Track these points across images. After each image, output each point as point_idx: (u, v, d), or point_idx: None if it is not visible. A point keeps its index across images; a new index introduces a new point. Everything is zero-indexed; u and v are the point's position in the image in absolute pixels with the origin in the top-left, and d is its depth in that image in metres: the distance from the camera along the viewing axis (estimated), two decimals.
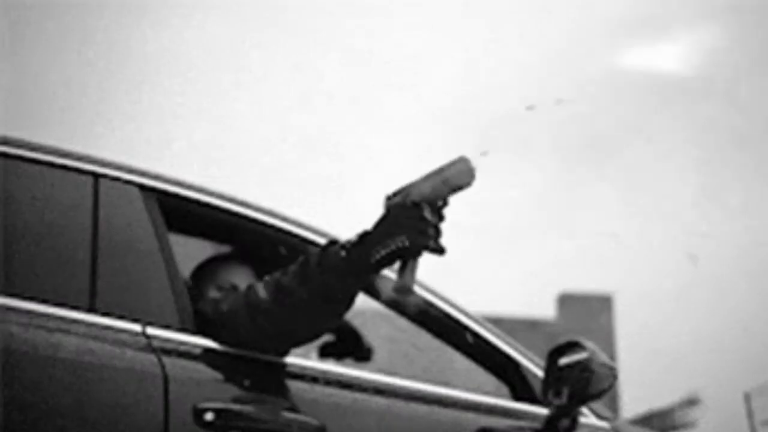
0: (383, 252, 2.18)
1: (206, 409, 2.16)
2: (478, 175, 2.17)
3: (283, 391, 2.31)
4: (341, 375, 2.43)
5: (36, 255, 2.21)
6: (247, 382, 2.26)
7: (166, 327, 2.25)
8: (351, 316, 2.85)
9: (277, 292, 2.26)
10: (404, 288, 2.20)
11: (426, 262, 2.21)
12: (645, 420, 10.72)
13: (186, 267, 2.76)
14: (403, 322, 2.93)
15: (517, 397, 2.76)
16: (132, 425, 2.09)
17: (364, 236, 2.22)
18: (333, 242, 2.27)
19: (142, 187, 2.40)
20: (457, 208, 2.22)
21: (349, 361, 3.26)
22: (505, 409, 2.62)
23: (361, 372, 2.48)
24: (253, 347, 2.31)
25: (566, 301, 12.59)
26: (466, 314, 2.73)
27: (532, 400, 2.70)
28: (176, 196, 2.47)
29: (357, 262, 2.21)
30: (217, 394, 2.20)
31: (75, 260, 2.24)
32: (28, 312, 2.10)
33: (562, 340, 2.62)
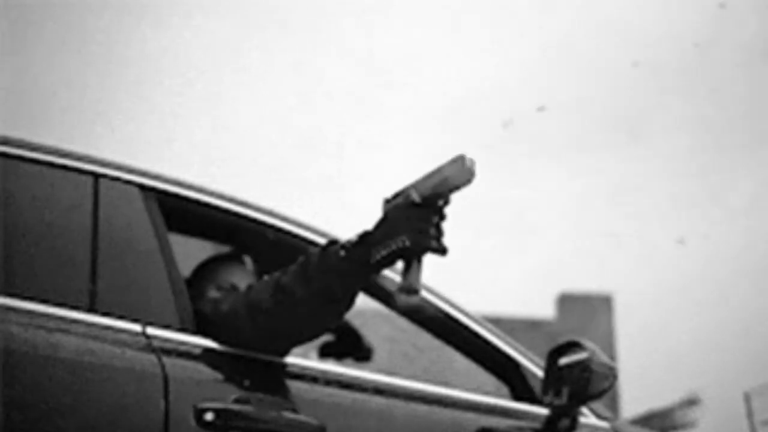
0: (383, 252, 2.18)
1: (206, 409, 2.16)
2: (477, 173, 2.17)
3: (283, 391, 2.31)
4: (341, 375, 2.43)
5: (36, 255, 2.21)
6: (247, 382, 2.26)
7: (166, 327, 2.25)
8: (351, 316, 2.85)
9: (277, 292, 2.26)
10: (410, 289, 2.19)
11: (426, 261, 2.21)
12: (645, 420, 10.71)
13: (186, 267, 2.76)
14: (403, 322, 2.93)
15: (517, 397, 2.76)
16: (132, 425, 2.09)
17: (364, 236, 2.22)
18: (333, 242, 2.27)
19: (142, 187, 2.40)
20: (457, 207, 2.22)
21: (349, 361, 3.26)
22: (505, 409, 2.62)
23: (361, 372, 2.48)
24: (253, 347, 2.31)
25: (566, 301, 12.57)
26: (466, 314, 2.73)
27: (532, 400, 2.70)
28: (176, 196, 2.47)
29: (357, 262, 2.20)
30: (217, 394, 2.20)
31: (75, 260, 2.24)
32: (28, 312, 2.10)
33: (562, 340, 2.62)
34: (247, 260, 2.84)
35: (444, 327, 2.74)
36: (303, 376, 2.35)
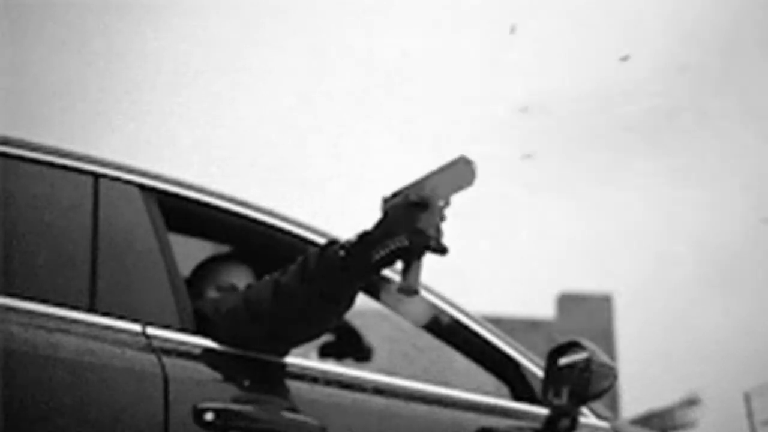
0: (383, 252, 2.18)
1: (206, 409, 2.16)
2: (478, 174, 2.17)
3: (283, 391, 2.31)
4: (341, 375, 2.43)
5: (36, 255, 2.21)
6: (247, 382, 2.26)
7: (166, 327, 2.25)
8: (351, 316, 2.85)
9: (277, 292, 2.26)
10: (409, 289, 2.19)
11: (426, 262, 2.21)
12: (645, 420, 10.72)
13: (186, 267, 2.76)
14: (403, 322, 2.93)
15: (517, 397, 2.76)
16: (132, 425, 2.09)
17: (363, 236, 2.22)
18: (332, 242, 2.26)
19: (142, 187, 2.40)
20: (457, 207, 2.22)
21: (349, 361, 3.26)
22: (505, 409, 2.62)
23: (361, 372, 2.48)
24: (253, 347, 2.31)
25: (566, 301, 12.58)
26: (466, 314, 2.73)
27: (532, 400, 2.70)
28: (176, 196, 2.47)
29: (356, 262, 2.20)
30: (217, 394, 2.20)
31: (75, 260, 2.24)
32: (28, 312, 2.10)
33: (562, 340, 2.62)
34: (247, 260, 2.84)
35: (444, 327, 2.74)
36: (303, 376, 2.35)
